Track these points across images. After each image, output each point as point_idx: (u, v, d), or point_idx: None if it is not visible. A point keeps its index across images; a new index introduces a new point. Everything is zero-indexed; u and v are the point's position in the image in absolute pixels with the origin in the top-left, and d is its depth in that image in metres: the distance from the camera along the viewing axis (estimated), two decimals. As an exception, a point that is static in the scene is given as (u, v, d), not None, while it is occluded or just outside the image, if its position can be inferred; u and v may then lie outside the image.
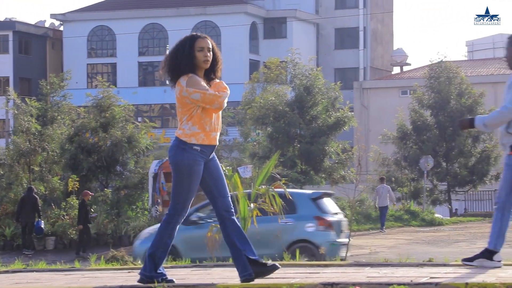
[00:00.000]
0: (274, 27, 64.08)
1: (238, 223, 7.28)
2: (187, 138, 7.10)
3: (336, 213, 17.78)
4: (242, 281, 7.09)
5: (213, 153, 7.27)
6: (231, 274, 7.96)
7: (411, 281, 6.68)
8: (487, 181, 41.83)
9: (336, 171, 37.56)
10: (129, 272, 8.97)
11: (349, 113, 38.49)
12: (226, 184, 7.35)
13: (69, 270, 9.64)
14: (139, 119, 43.96)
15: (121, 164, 32.22)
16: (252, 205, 11.24)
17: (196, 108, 7.10)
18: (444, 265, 8.04)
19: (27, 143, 31.82)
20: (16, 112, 34.59)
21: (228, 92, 7.11)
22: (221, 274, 8.15)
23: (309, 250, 15.65)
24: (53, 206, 29.73)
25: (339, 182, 37.60)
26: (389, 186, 34.39)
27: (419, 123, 42.14)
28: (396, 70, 68.27)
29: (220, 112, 7.25)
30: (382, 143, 43.47)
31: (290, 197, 13.70)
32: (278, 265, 7.14)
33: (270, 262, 7.22)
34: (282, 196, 18.02)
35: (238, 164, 31.55)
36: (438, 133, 41.88)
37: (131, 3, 64.30)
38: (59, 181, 32.30)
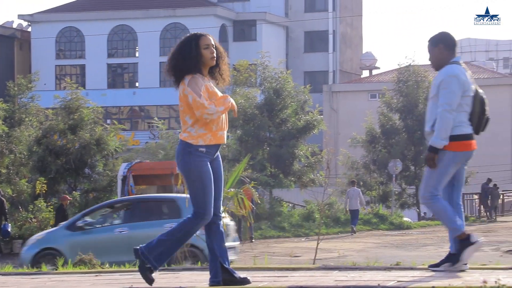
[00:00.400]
0: (244, 29, 64.06)
1: (222, 228, 7.26)
2: (193, 140, 7.00)
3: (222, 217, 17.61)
4: (210, 285, 7.12)
5: (218, 152, 7.18)
6: (199, 278, 7.96)
7: (378, 284, 6.71)
8: (455, 185, 42.05)
9: (305, 175, 37.67)
10: (96, 275, 8.92)
11: (319, 116, 38.61)
12: (222, 186, 7.31)
13: (36, 273, 9.59)
14: (108, 121, 43.77)
15: (89, 166, 32.06)
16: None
17: None
18: (411, 268, 8.08)
19: (-6, 145, 31.60)
20: (-18, 113, 34.30)
21: (221, 108, 6.95)
22: (189, 278, 8.14)
23: (195, 254, 15.55)
24: (21, 209, 29.48)
25: (308, 185, 37.73)
26: (359, 189, 34.54)
27: (388, 126, 42.36)
28: (365, 73, 68.62)
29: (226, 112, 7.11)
30: (351, 146, 43.62)
31: (255, 204, 13.58)
32: (250, 280, 7.12)
33: (241, 275, 7.17)
34: (166, 200, 18.04)
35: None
36: (407, 137, 42.12)
37: (100, 5, 63.93)
38: (26, 184, 32.06)
